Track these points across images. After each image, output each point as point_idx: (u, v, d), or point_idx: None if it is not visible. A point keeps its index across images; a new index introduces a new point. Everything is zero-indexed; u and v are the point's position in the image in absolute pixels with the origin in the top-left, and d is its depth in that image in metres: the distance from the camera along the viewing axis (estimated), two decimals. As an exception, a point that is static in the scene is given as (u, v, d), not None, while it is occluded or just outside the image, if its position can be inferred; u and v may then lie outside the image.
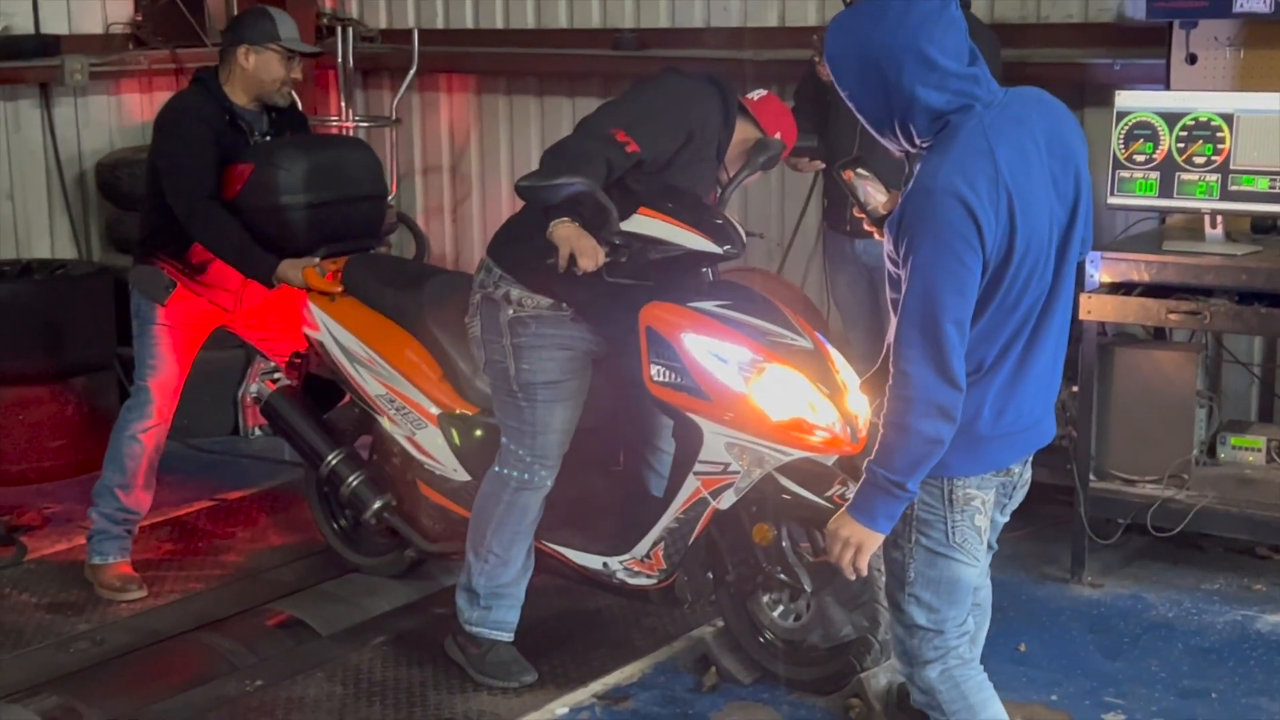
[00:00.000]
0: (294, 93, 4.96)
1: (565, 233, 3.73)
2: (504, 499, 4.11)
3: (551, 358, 4.04)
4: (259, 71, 4.73)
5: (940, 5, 2.75)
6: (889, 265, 2.86)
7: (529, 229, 3.92)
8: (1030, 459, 3.03)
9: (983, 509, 2.94)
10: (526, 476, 4.09)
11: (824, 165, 5.01)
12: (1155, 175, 4.75)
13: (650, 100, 3.97)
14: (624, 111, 3.92)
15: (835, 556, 2.90)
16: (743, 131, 4.09)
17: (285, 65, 4.74)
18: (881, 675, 3.88)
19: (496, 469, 4.15)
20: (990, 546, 3.13)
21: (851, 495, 3.68)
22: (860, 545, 2.86)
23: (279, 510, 5.67)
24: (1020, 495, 3.07)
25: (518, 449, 4.10)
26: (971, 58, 2.79)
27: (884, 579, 3.16)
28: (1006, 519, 3.10)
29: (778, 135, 4.11)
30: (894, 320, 2.91)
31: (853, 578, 2.96)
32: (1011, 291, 2.78)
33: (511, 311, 4.03)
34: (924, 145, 2.81)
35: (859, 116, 2.86)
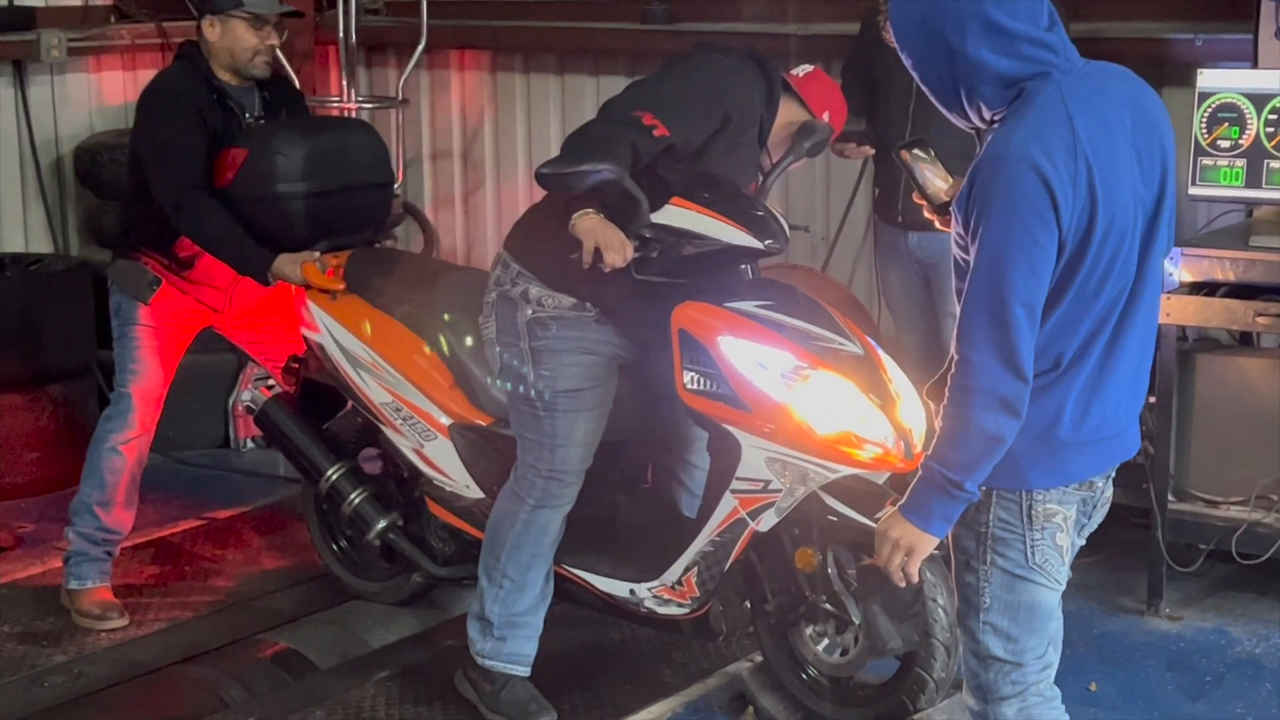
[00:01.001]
0: (289, 69, 4.96)
1: (589, 225, 3.73)
2: (520, 518, 4.12)
3: (573, 363, 4.04)
4: (227, 42, 4.74)
5: None
6: (955, 250, 2.85)
7: (549, 221, 3.93)
8: (1113, 474, 3.02)
9: (1064, 526, 2.94)
10: (545, 494, 4.10)
11: (873, 151, 5.00)
12: (1241, 163, 4.76)
13: (682, 80, 3.98)
14: (653, 92, 3.93)
15: (884, 560, 2.90)
16: (787, 113, 4.09)
17: (255, 33, 4.72)
18: (937, 716, 3.87)
19: (512, 485, 4.16)
20: (1066, 571, 3.12)
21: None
22: (912, 548, 2.86)
23: (273, 531, 5.70)
24: (1100, 515, 3.07)
25: (535, 463, 4.11)
26: (1050, 21, 2.80)
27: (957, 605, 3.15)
28: (1083, 542, 3.09)
29: (825, 116, 4.11)
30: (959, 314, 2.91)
31: (902, 584, 2.95)
32: (1092, 278, 2.77)
33: (530, 311, 4.04)
34: (996, 118, 2.80)
35: (925, 89, 2.87)
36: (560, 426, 4.07)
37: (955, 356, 2.78)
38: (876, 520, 3.78)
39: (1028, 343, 2.73)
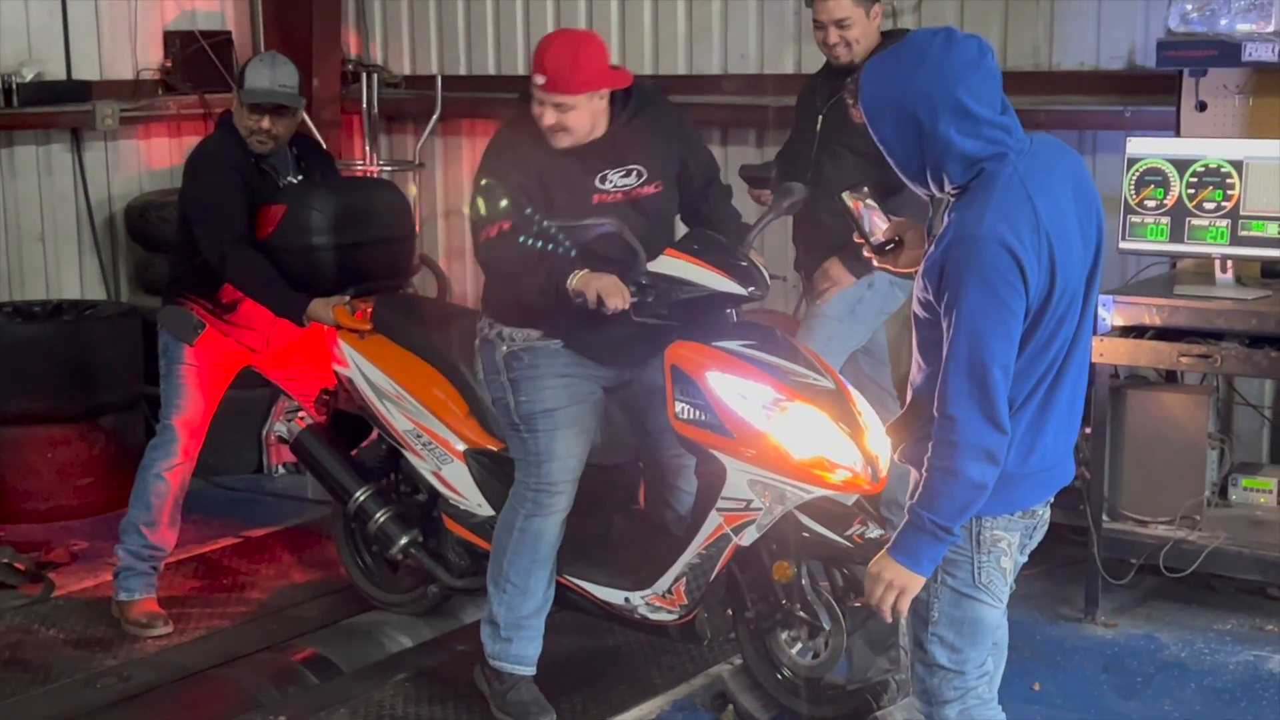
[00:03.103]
0: (317, 134, 4.92)
1: (586, 279, 3.81)
2: (517, 527, 4.13)
3: (548, 386, 4.07)
4: (238, 119, 4.76)
5: (978, 54, 2.78)
6: (918, 309, 2.87)
7: (504, 283, 4.02)
8: (1051, 500, 3.04)
9: (1009, 551, 2.95)
10: (535, 504, 4.10)
11: (770, 194, 4.68)
12: (1166, 220, 4.78)
13: (475, 189, 4.00)
14: (479, 217, 3.96)
15: (876, 599, 2.89)
16: (548, 110, 3.94)
17: (250, 116, 4.70)
18: (898, 714, 3.87)
19: (510, 500, 4.18)
20: (1010, 587, 3.13)
21: (872, 534, 3.74)
22: (904, 588, 2.86)
23: (303, 547, 5.69)
24: (1039, 536, 3.08)
25: (525, 478, 4.13)
26: (1003, 107, 2.82)
27: (907, 619, 3.16)
28: (1025, 559, 3.11)
29: (539, 78, 3.92)
30: (918, 361, 2.93)
31: (890, 621, 2.95)
32: (1045, 334, 2.80)
33: (505, 348, 4.10)
34: (954, 191, 2.83)
35: (891, 161, 2.89)
36: (542, 444, 4.08)
37: (938, 414, 2.78)
38: (846, 537, 3.81)
39: (1004, 398, 2.75)
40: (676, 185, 4.18)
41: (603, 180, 4.01)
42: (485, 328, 4.18)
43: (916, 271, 2.92)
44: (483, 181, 3.97)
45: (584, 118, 3.92)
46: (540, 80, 3.89)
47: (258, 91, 4.68)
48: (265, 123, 4.70)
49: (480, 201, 3.96)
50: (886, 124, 2.83)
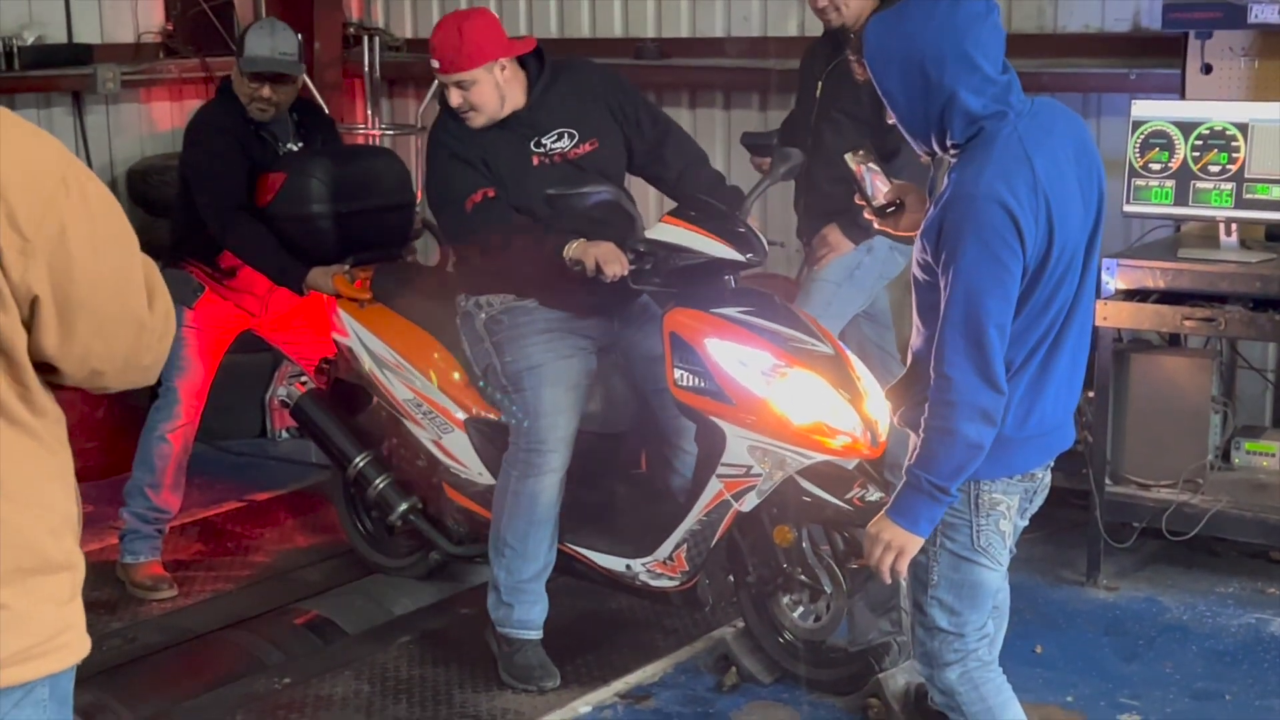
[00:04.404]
0: (319, 99, 4.91)
1: (583, 247, 3.81)
2: (511, 489, 4.14)
3: (531, 343, 4.10)
4: (238, 86, 4.74)
5: (985, 9, 2.77)
6: (917, 271, 2.87)
7: (472, 258, 4.12)
8: (1051, 464, 3.04)
9: (1007, 514, 2.95)
10: (527, 465, 4.11)
11: (768, 162, 4.66)
12: (1170, 184, 4.76)
13: (437, 167, 4.07)
14: (445, 189, 4.04)
15: (875, 560, 2.90)
16: (452, 92, 4.04)
17: (249, 84, 4.69)
18: (900, 676, 3.88)
19: (504, 463, 4.19)
20: (1010, 550, 3.14)
21: (872, 497, 3.74)
22: (902, 549, 2.86)
23: (306, 511, 5.70)
24: (1040, 500, 3.08)
25: (517, 440, 4.14)
26: (1004, 68, 2.81)
27: (907, 581, 3.17)
28: (1026, 523, 3.11)
29: (434, 63, 4.04)
30: (917, 325, 2.93)
31: (889, 582, 2.96)
32: (1043, 296, 2.80)
33: (484, 315, 4.14)
34: (954, 149, 2.82)
35: (893, 115, 2.87)
36: (530, 401, 4.09)
37: (934, 374, 2.78)
38: (846, 501, 3.81)
39: (1000, 358, 2.74)
40: (622, 142, 4.21)
41: (537, 146, 4.08)
42: (462, 301, 4.22)
43: (916, 234, 2.92)
44: (444, 157, 4.02)
45: (488, 92, 4.00)
46: (435, 65, 4.00)
47: (258, 60, 4.66)
48: (265, 91, 4.69)
49: (450, 176, 3.98)
50: (892, 76, 2.81)
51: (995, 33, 2.79)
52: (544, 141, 4.08)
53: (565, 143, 4.10)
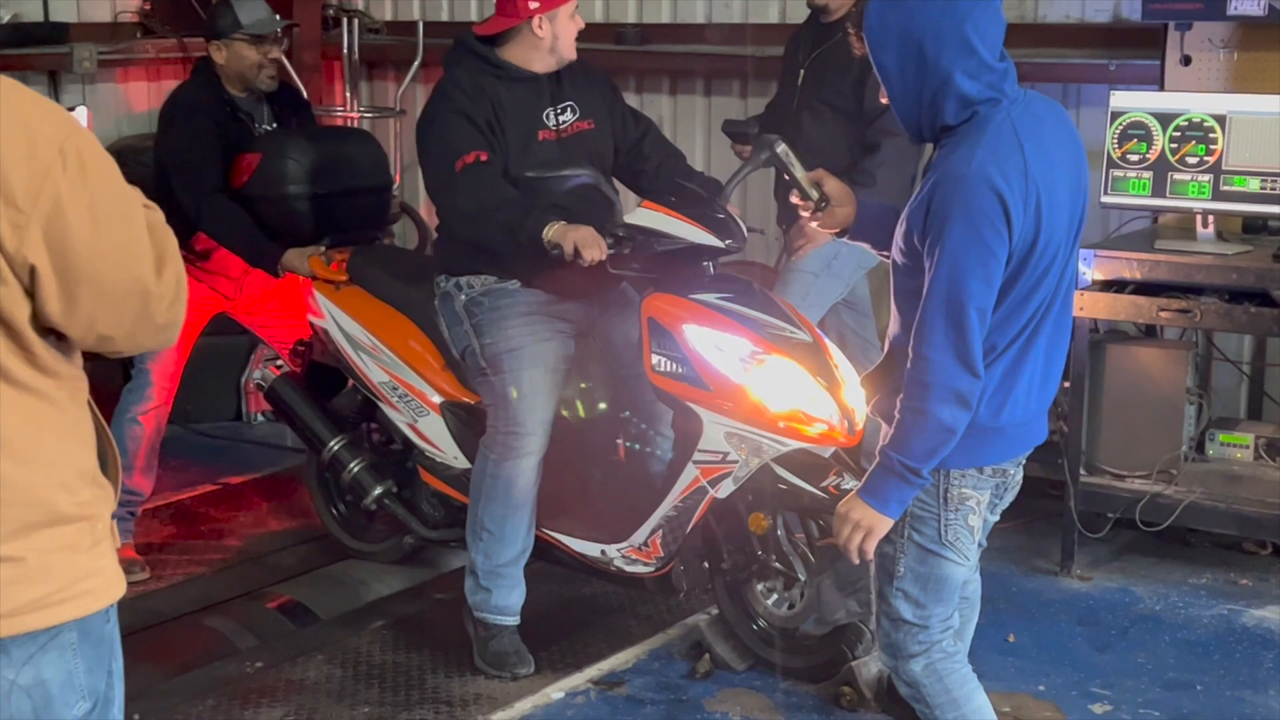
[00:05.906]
0: (298, 80, 4.90)
1: (561, 230, 3.79)
2: (488, 473, 4.12)
3: (511, 325, 4.08)
4: (234, 63, 4.70)
5: None
6: (898, 255, 2.85)
7: (452, 238, 4.11)
8: (1023, 460, 3.03)
9: (976, 509, 2.94)
10: (505, 448, 4.09)
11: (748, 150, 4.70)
12: (1148, 175, 4.76)
13: (439, 123, 4.03)
14: (443, 145, 3.99)
15: (844, 540, 2.89)
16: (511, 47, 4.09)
17: (256, 49, 4.68)
18: (873, 664, 3.88)
19: (481, 446, 4.17)
20: (980, 544, 3.13)
21: (848, 485, 3.74)
22: (871, 529, 2.86)
23: (280, 495, 5.68)
24: (1011, 496, 3.07)
25: (495, 422, 4.12)
26: (1003, 56, 2.81)
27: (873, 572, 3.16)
28: (997, 518, 3.10)
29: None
30: (893, 312, 2.92)
31: (858, 561, 2.95)
32: (1026, 285, 2.79)
33: (464, 296, 4.12)
34: (945, 133, 2.81)
35: (886, 94, 2.85)
36: (508, 383, 4.07)
37: (912, 355, 2.77)
38: (822, 489, 3.81)
39: (979, 343, 2.73)
40: (611, 130, 4.25)
41: (547, 117, 4.12)
42: (442, 282, 4.20)
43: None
44: (448, 109, 3.98)
45: (571, 29, 4.14)
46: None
47: (263, 22, 4.66)
48: (274, 52, 4.71)
49: (448, 129, 3.94)
50: (890, 52, 2.79)
51: (996, 20, 2.78)
52: (554, 113, 4.13)
53: (569, 116, 4.16)
